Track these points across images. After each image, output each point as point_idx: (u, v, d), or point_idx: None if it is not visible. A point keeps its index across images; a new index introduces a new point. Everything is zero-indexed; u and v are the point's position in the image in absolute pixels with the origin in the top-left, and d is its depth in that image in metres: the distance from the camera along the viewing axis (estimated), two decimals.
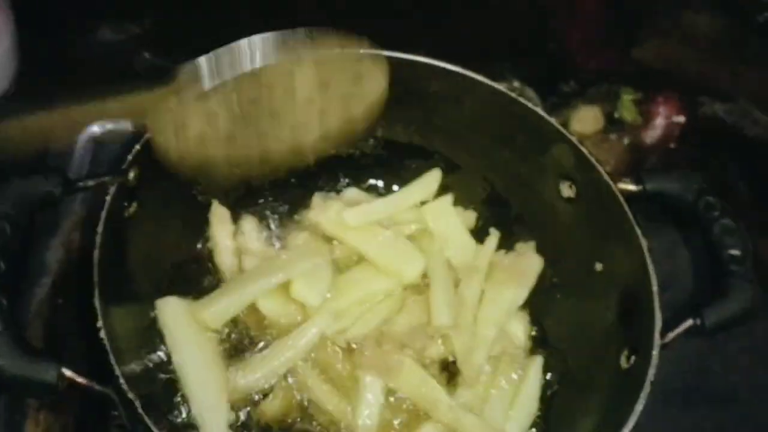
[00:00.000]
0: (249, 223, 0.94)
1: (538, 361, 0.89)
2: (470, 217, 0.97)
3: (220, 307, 0.83)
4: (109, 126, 0.97)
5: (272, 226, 0.96)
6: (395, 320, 0.88)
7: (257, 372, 0.82)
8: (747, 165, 1.16)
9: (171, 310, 0.83)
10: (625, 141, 1.15)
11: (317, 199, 0.95)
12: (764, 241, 1.07)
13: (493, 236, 0.94)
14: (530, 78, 1.16)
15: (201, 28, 1.14)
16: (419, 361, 0.85)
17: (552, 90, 1.18)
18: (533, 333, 0.92)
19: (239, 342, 0.87)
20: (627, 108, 1.16)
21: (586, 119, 1.15)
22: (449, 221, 0.94)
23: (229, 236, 0.91)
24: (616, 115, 1.16)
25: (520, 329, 0.91)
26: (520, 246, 0.93)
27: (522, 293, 0.90)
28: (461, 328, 0.87)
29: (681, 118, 1.15)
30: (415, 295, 0.90)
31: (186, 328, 0.82)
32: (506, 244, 0.94)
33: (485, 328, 0.87)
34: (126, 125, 0.93)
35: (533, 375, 0.87)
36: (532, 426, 0.87)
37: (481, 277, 0.90)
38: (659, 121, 1.15)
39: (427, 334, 0.87)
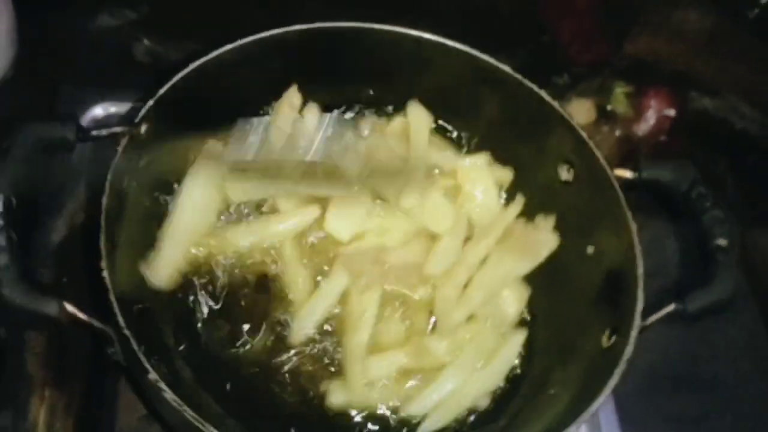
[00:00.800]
0: (312, 112, 0.94)
1: (518, 337, 0.88)
2: (506, 174, 0.96)
3: (248, 187, 0.89)
4: (113, 109, 0.99)
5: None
6: (396, 250, 0.89)
7: (243, 231, 0.87)
8: (735, 159, 1.18)
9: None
10: (617, 133, 1.16)
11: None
12: (751, 233, 1.10)
13: (517, 203, 0.93)
14: (523, 70, 1.17)
15: (199, 14, 1.15)
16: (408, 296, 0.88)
17: (545, 83, 1.19)
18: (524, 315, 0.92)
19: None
20: (619, 101, 1.17)
21: (578, 112, 1.17)
22: (483, 182, 0.94)
23: (289, 121, 0.92)
24: (609, 108, 1.17)
25: (512, 302, 0.90)
26: (540, 219, 0.92)
27: (524, 266, 0.89)
28: (448, 280, 0.88)
29: (672, 112, 1.17)
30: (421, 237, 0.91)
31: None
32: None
33: (475, 289, 0.88)
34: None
35: (508, 351, 0.87)
36: (512, 386, 0.88)
37: (491, 241, 0.89)
38: (651, 114, 1.17)
39: (422, 275, 0.88)
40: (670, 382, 0.97)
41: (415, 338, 0.86)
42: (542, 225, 0.92)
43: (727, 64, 1.22)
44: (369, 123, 0.96)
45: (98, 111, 1.00)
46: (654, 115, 1.17)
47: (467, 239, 0.92)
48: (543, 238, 0.90)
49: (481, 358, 0.85)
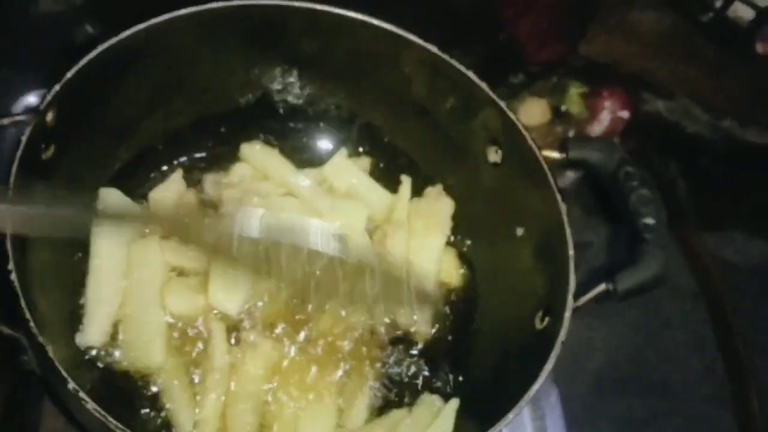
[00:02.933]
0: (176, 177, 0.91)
1: (452, 404, 0.83)
2: (364, 162, 0.97)
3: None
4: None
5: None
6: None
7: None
8: (687, 162, 1.19)
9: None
10: (571, 134, 1.16)
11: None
12: (701, 236, 1.10)
13: (406, 185, 0.94)
14: (479, 68, 1.16)
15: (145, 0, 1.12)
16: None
17: (500, 81, 1.18)
18: (462, 271, 0.93)
19: None
20: (574, 101, 1.17)
21: (533, 111, 1.16)
22: (351, 173, 0.94)
23: None
24: (563, 108, 1.17)
25: (451, 270, 0.92)
26: (430, 190, 0.93)
27: (443, 239, 0.91)
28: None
29: (626, 113, 1.17)
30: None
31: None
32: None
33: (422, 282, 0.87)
34: None
35: (444, 419, 0.82)
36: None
37: (405, 230, 0.90)
38: (604, 116, 1.16)
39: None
40: (619, 384, 0.97)
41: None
42: (434, 194, 0.93)
43: (681, 67, 1.22)
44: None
45: (32, 99, 0.95)
46: (608, 116, 1.17)
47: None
48: (442, 207, 0.92)
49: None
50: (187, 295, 0.83)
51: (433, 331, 0.90)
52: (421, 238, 0.91)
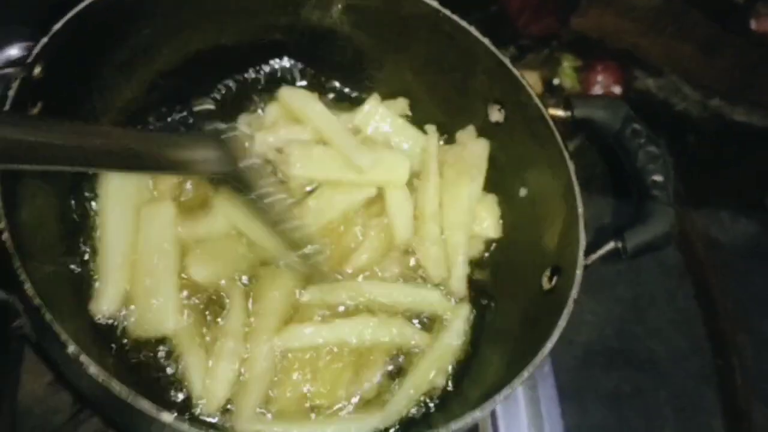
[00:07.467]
0: None
1: (464, 309, 0.83)
2: (401, 104, 0.92)
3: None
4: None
5: None
6: (360, 251, 0.84)
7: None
8: (675, 139, 1.18)
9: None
10: None
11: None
12: (689, 213, 1.11)
13: (432, 134, 0.89)
14: None
15: None
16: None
17: None
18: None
19: None
20: (567, 74, 1.16)
21: None
22: (391, 121, 0.89)
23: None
24: (556, 82, 1.16)
25: (488, 217, 0.87)
26: (461, 134, 0.89)
27: (478, 186, 0.86)
28: (424, 238, 0.84)
29: (618, 89, 1.17)
30: (373, 218, 0.85)
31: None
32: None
33: (455, 234, 0.84)
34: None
35: (455, 327, 0.82)
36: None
37: (436, 182, 0.86)
38: (597, 90, 1.16)
39: (391, 257, 0.84)
40: (606, 358, 0.97)
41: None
42: (465, 138, 0.89)
43: (673, 44, 1.22)
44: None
45: (14, 51, 0.91)
46: (600, 90, 1.16)
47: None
48: (475, 150, 0.87)
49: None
50: (210, 262, 0.79)
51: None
52: (451, 188, 0.86)
